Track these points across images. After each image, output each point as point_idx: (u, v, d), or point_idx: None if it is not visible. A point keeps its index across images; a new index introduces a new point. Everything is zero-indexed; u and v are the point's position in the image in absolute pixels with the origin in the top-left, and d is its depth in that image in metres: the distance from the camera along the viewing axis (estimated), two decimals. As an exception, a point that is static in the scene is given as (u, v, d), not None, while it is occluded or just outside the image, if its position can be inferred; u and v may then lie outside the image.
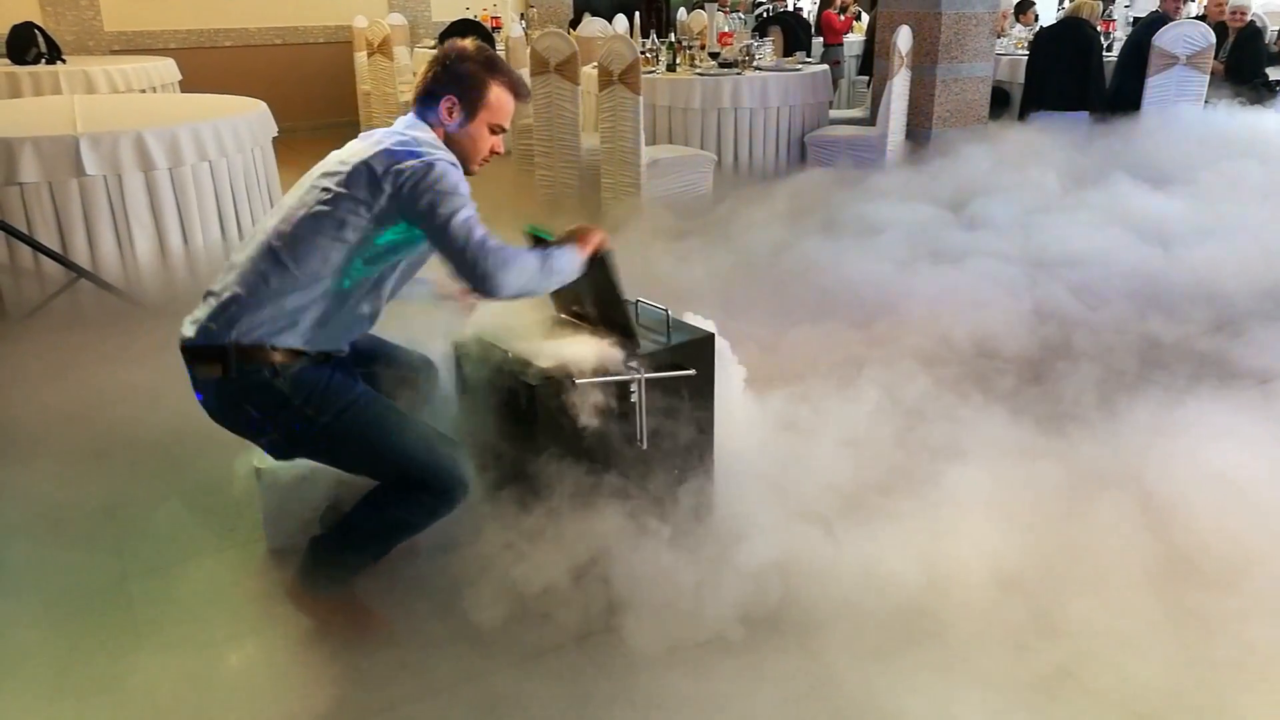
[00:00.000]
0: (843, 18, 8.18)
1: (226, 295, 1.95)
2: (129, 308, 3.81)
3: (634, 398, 2.18)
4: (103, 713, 1.93)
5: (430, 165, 1.94)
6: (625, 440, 2.21)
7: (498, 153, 2.18)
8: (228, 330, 1.92)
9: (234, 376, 1.93)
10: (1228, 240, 4.46)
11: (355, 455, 2.04)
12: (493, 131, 2.14)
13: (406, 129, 2.07)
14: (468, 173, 2.12)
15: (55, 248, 3.76)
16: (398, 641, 2.10)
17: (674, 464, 2.31)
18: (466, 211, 1.93)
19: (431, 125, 2.10)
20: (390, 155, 1.96)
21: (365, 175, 1.95)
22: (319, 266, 1.95)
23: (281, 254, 1.95)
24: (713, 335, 2.34)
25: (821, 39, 9.16)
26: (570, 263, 2.08)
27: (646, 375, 2.17)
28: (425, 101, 2.11)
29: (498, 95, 2.11)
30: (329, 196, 1.96)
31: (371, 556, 2.13)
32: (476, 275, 1.92)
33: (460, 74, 2.08)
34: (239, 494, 2.52)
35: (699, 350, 2.30)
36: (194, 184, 4.05)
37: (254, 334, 1.92)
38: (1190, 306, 3.86)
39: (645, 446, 2.23)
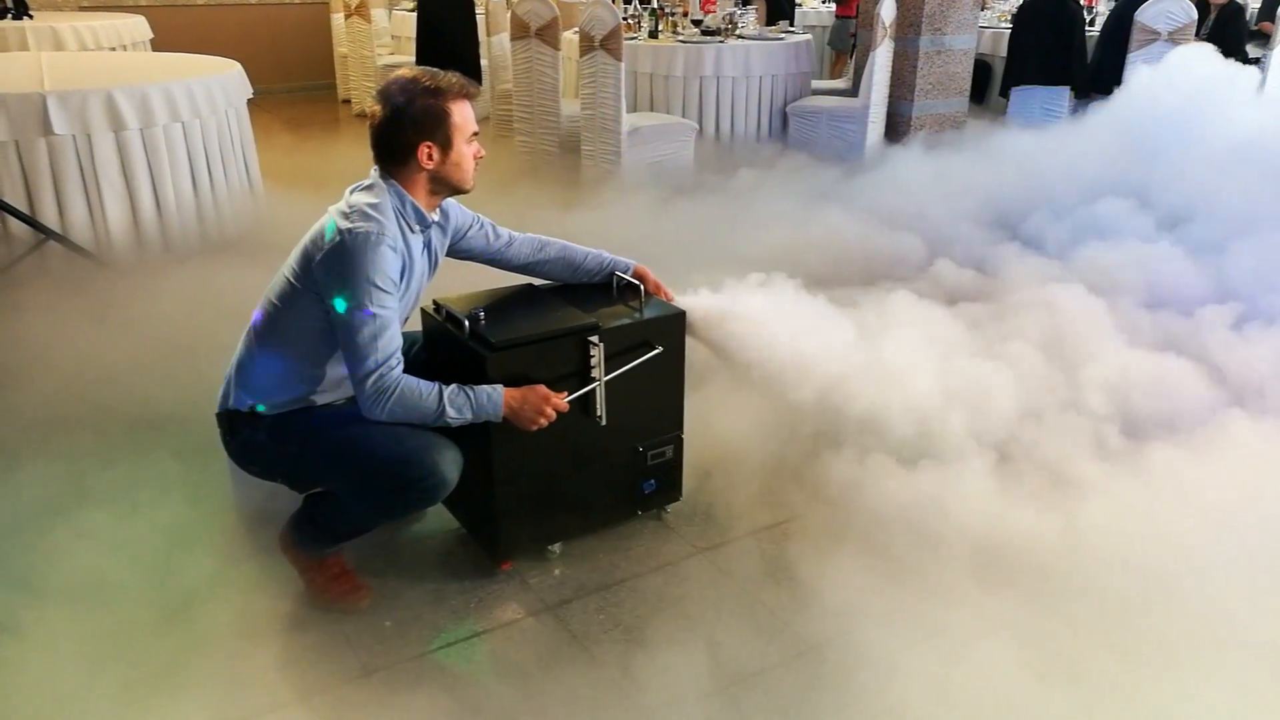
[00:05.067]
0: None
1: (230, 370, 2.12)
2: (98, 270, 3.74)
3: (594, 373, 2.14)
4: (68, 663, 1.92)
5: (343, 276, 1.93)
6: (584, 414, 2.18)
7: (481, 157, 2.12)
8: (225, 401, 2.11)
9: (231, 440, 2.12)
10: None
11: (332, 471, 2.07)
12: (469, 142, 2.08)
13: (360, 198, 2.01)
14: (465, 192, 2.12)
15: (23, 208, 3.68)
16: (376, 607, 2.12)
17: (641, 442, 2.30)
18: (370, 329, 1.93)
19: (408, 178, 2.05)
20: (315, 245, 2.00)
21: (304, 261, 2.01)
22: (295, 346, 2.05)
23: (262, 335, 2.07)
24: (683, 312, 2.32)
25: (834, 9, 8.94)
26: (480, 416, 2.00)
27: (612, 375, 2.16)
28: (396, 157, 2.03)
29: (459, 111, 2.04)
30: (286, 283, 2.05)
31: (353, 533, 2.15)
32: (360, 395, 1.97)
33: (417, 115, 2.00)
34: (207, 457, 2.48)
35: (669, 327, 2.28)
36: (166, 145, 3.96)
37: (245, 403, 2.07)
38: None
39: (604, 422, 2.19)
